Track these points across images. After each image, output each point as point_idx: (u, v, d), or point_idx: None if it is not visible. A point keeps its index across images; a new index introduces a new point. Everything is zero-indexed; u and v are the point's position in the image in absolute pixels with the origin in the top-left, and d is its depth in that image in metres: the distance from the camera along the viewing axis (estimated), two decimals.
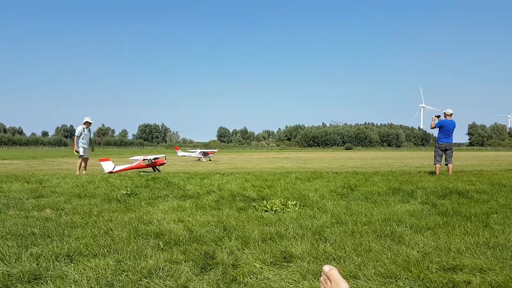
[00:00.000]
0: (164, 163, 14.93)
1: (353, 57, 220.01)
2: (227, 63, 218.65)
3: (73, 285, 2.54)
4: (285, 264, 2.97)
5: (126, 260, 3.05)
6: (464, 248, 3.20)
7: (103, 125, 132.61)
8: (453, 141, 11.01)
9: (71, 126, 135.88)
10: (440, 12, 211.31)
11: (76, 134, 11.96)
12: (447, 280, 2.48)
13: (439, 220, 4.35)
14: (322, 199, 6.18)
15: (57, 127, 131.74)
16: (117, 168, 13.32)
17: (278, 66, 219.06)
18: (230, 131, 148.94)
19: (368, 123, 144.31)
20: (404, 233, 3.83)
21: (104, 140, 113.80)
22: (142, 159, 14.34)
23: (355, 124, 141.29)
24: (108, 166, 13.10)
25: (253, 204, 5.62)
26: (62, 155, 41.01)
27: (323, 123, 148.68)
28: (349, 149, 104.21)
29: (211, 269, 2.92)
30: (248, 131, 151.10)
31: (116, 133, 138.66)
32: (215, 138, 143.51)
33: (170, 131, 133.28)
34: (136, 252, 3.26)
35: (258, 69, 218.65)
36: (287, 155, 48.46)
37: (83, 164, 11.96)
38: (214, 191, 6.90)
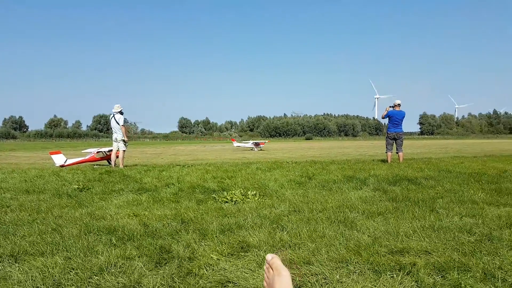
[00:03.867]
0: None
1: (313, 50, 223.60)
2: (187, 53, 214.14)
3: (16, 286, 2.40)
4: (242, 254, 2.99)
5: (75, 258, 2.93)
6: (411, 232, 3.38)
7: (55, 116, 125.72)
8: (405, 131, 11.55)
9: (20, 117, 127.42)
10: (391, 7, 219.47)
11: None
12: (394, 263, 2.61)
13: (389, 206, 4.56)
14: (281, 188, 6.28)
15: (5, 119, 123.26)
16: (69, 161, 12.66)
17: (240, 57, 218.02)
18: (192, 122, 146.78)
19: (327, 114, 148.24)
20: (356, 218, 3.98)
21: (56, 132, 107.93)
22: (96, 152, 13.73)
23: (315, 115, 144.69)
24: (59, 159, 12.42)
25: (213, 195, 5.60)
26: (10, 148, 38.43)
27: (284, 114, 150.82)
28: (309, 139, 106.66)
29: (166, 263, 2.87)
30: (211, 122, 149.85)
31: (69, 124, 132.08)
32: (176, 129, 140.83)
33: (128, 122, 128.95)
34: (87, 249, 3.14)
35: (220, 60, 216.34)
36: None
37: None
38: (173, 184, 6.79)
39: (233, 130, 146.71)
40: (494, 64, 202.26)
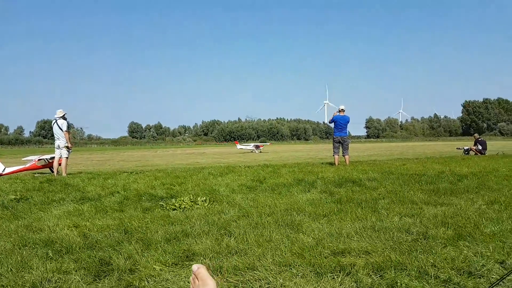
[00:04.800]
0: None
1: (266, 54, 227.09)
2: (138, 56, 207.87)
3: None
4: (187, 263, 2.92)
5: (6, 274, 2.71)
6: (353, 233, 3.50)
7: None
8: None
9: None
10: (345, 13, 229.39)
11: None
12: (336, 264, 2.68)
13: (334, 208, 4.70)
14: (232, 193, 6.25)
15: None
16: (8, 170, 11.72)
17: (193, 61, 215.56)
18: (143, 127, 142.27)
19: (280, 119, 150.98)
20: (303, 221, 4.06)
21: None
22: (37, 159, 12.81)
23: (268, 119, 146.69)
24: None
25: (161, 203, 5.43)
26: None
27: (239, 118, 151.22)
28: (264, 143, 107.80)
29: (105, 276, 2.73)
30: (163, 126, 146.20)
31: (11, 130, 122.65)
32: (126, 134, 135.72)
33: (74, 127, 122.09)
34: (20, 264, 2.92)
35: (172, 63, 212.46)
36: (204, 150, 48.11)
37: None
38: (118, 192, 6.49)
39: (186, 134, 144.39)
40: (434, 70, 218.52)
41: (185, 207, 5.10)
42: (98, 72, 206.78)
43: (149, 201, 5.66)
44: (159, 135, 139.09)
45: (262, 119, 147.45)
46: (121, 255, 3.08)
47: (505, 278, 2.33)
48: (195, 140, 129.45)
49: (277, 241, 3.33)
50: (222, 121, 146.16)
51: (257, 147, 34.77)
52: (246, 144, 42.84)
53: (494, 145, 34.16)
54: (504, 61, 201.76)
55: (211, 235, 3.62)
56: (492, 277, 2.43)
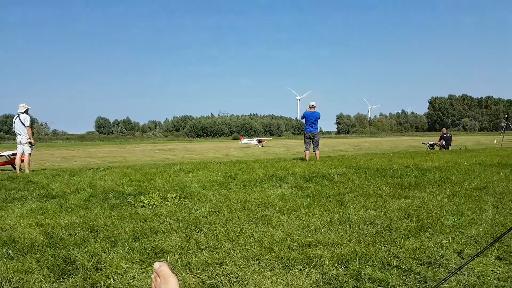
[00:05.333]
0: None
1: (238, 49, 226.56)
2: (105, 49, 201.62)
3: None
4: (155, 260, 2.88)
5: None
6: (321, 226, 3.58)
7: None
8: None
9: None
10: (318, 10, 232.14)
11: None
12: (303, 256, 2.74)
13: (303, 202, 4.78)
14: (203, 189, 6.21)
15: None
16: None
17: (164, 55, 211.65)
18: (111, 122, 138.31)
19: (253, 114, 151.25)
20: (273, 215, 4.10)
21: None
22: None
23: (242, 115, 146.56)
24: None
25: (129, 200, 5.32)
26: None
27: (211, 113, 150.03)
28: (236, 139, 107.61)
29: (70, 275, 2.66)
30: (132, 122, 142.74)
31: None
32: (93, 130, 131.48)
33: (38, 122, 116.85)
34: None
35: (142, 57, 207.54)
36: (175, 146, 47.42)
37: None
38: (84, 189, 6.30)
39: (157, 130, 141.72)
40: (402, 67, 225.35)
41: (154, 204, 5.02)
42: (64, 64, 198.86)
43: (116, 198, 5.53)
44: (128, 130, 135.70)
45: (235, 115, 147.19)
46: (86, 254, 3.00)
47: (462, 267, 2.46)
48: (166, 136, 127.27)
49: (247, 235, 3.35)
50: (195, 117, 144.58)
51: (259, 141, 37.41)
52: (250, 139, 46.63)
53: (458, 140, 35.85)
54: (468, 58, 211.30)
55: (181, 231, 3.59)
56: (451, 267, 2.56)
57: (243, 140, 43.32)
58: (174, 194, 5.50)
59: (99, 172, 8.84)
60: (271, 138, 44.38)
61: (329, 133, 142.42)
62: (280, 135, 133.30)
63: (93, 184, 6.80)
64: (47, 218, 4.32)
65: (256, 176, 7.38)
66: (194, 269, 2.62)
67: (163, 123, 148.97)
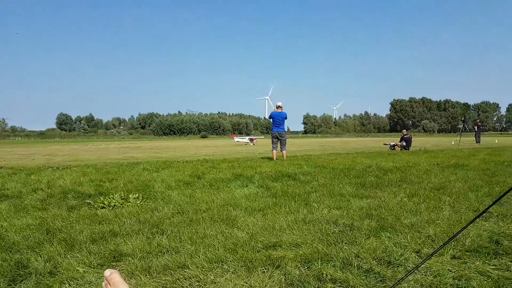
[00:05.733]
0: None
1: (207, 48, 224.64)
2: (67, 43, 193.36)
3: None
4: (114, 264, 2.78)
5: None
6: (285, 226, 3.59)
7: None
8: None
9: None
10: (288, 10, 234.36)
11: None
12: (267, 258, 2.73)
13: (269, 202, 4.79)
14: (168, 189, 6.08)
15: None
16: None
17: (129, 50, 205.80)
18: (73, 118, 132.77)
19: (222, 113, 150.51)
20: (239, 216, 4.08)
21: None
22: None
23: (210, 113, 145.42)
24: None
25: (89, 201, 5.11)
26: None
27: (179, 111, 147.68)
28: (205, 137, 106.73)
29: (22, 280, 2.51)
30: (95, 119, 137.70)
31: None
32: (54, 126, 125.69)
33: None
34: None
35: (106, 52, 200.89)
36: (140, 145, 46.21)
37: None
38: (41, 189, 5.98)
39: (121, 127, 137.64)
40: (366, 69, 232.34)
41: (115, 205, 4.85)
42: (23, 58, 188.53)
43: (75, 199, 5.30)
44: (90, 127, 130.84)
45: (203, 113, 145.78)
46: (41, 257, 2.85)
47: (419, 267, 2.55)
48: (131, 134, 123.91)
49: (211, 237, 3.31)
50: (161, 114, 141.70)
51: (251, 140, 37.74)
52: (242, 137, 46.79)
53: (418, 141, 37.44)
54: (428, 63, 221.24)
55: (142, 234, 3.49)
56: (409, 266, 2.65)
57: (236, 139, 43.10)
58: (137, 195, 5.35)
59: (58, 171, 8.44)
60: (262, 137, 45.00)
61: (297, 132, 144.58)
62: (248, 134, 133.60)
63: (52, 184, 6.47)
64: (0, 220, 4.07)
65: (223, 176, 7.33)
66: (154, 273, 2.55)
67: (128, 121, 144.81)
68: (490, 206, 1.50)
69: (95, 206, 4.79)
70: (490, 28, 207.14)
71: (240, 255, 2.78)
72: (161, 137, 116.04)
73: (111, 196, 5.17)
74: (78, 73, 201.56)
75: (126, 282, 1.01)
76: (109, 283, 0.99)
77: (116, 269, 1.03)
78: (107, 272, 1.02)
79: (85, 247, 3.10)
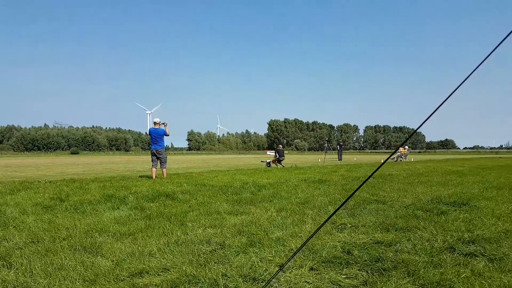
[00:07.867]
0: None
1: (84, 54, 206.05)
2: None
3: None
4: None
5: None
6: (156, 250, 3.46)
7: None
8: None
9: None
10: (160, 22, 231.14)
11: None
12: (130, 286, 2.59)
13: (142, 224, 4.57)
14: (23, 215, 5.28)
15: None
16: None
17: None
18: None
19: (96, 127, 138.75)
20: (105, 242, 3.77)
21: None
22: None
23: (82, 127, 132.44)
24: None
25: None
26: None
27: (45, 124, 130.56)
28: (76, 153, 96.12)
29: None
30: None
31: None
32: None
33: None
34: None
35: None
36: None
37: None
38: None
39: None
40: (248, 90, 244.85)
41: None
42: None
43: None
44: None
45: (74, 127, 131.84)
46: None
47: (271, 280, 2.74)
48: None
49: (69, 268, 2.97)
50: (23, 127, 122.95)
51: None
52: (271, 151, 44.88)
53: (291, 158, 40.84)
54: (300, 87, 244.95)
55: None
56: (272, 280, 2.82)
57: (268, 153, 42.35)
58: None
59: None
60: (273, 152, 43.22)
61: (181, 149, 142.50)
62: (127, 150, 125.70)
63: None
64: None
65: (91, 197, 6.71)
66: None
67: None
68: (333, 214, 1.73)
69: None
70: (345, 62, 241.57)
71: (101, 286, 2.57)
72: (22, 153, 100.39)
73: None
74: None
75: None
76: None
77: None
78: None
79: None
